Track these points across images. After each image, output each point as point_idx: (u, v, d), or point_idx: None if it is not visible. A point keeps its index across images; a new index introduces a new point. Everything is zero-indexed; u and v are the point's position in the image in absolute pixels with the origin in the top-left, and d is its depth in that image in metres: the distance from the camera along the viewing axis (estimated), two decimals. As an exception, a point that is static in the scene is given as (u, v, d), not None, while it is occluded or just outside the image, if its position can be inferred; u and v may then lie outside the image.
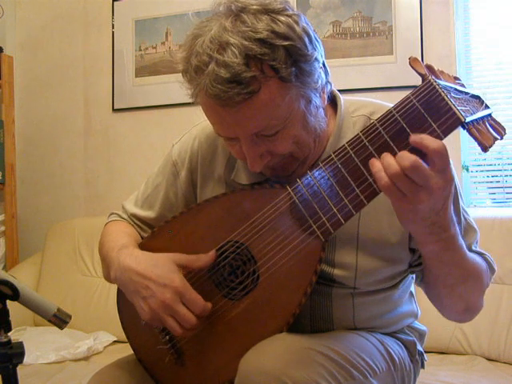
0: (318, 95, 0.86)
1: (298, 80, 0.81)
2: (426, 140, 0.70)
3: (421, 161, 0.69)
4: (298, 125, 0.85)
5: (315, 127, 0.88)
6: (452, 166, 0.91)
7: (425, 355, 1.10)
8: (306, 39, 0.81)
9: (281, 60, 0.78)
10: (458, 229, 0.81)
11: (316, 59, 0.83)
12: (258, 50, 0.77)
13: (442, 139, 0.74)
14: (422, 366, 1.10)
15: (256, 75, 0.77)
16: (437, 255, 0.82)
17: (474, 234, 0.96)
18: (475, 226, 0.97)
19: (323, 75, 0.87)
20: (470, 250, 0.93)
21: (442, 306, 0.96)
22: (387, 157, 0.72)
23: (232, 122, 0.82)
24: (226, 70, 0.77)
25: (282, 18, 0.80)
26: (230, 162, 1.00)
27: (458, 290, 0.89)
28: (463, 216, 0.95)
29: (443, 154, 0.70)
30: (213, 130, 0.90)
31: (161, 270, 0.90)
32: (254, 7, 0.81)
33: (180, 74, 0.86)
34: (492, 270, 0.97)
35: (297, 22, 0.81)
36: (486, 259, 0.96)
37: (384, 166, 0.72)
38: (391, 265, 0.94)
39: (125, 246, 0.97)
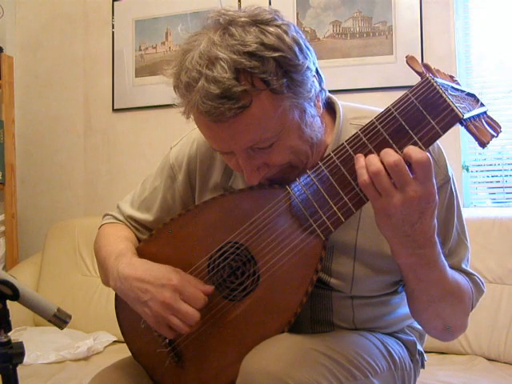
0: (312, 104, 0.85)
1: (291, 91, 0.80)
2: (410, 150, 0.72)
3: (404, 163, 0.72)
4: (293, 136, 0.84)
5: (311, 136, 0.87)
6: (452, 187, 0.93)
7: (425, 355, 1.10)
8: (297, 49, 0.80)
9: (271, 72, 0.77)
10: (439, 249, 0.81)
11: (308, 68, 0.82)
12: (248, 63, 0.76)
13: (441, 136, 0.74)
14: (422, 366, 1.10)
15: (247, 89, 0.76)
16: (411, 269, 0.82)
17: (464, 252, 0.95)
18: (467, 243, 0.96)
19: (316, 83, 0.86)
20: (458, 268, 0.94)
21: (420, 320, 0.96)
22: (371, 156, 0.75)
23: (225, 136, 0.81)
24: (216, 86, 0.75)
25: (271, 29, 0.78)
26: (227, 168, 1.00)
27: (434, 307, 0.88)
28: (457, 231, 0.94)
29: (425, 166, 0.71)
30: None
31: (158, 272, 0.90)
32: (243, 19, 0.79)
33: None
34: (480, 291, 0.97)
35: (286, 32, 0.79)
36: (473, 280, 0.96)
37: (366, 163, 0.75)
38: (388, 275, 0.94)
39: (122, 254, 0.97)
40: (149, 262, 0.94)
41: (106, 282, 1.04)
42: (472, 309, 0.95)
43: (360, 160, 0.76)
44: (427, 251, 0.79)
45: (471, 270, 0.96)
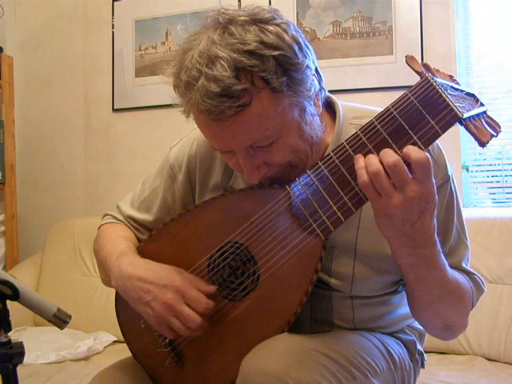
0: (312, 103, 0.85)
1: (290, 89, 0.80)
2: (409, 150, 0.72)
3: (403, 163, 0.72)
4: (293, 134, 0.84)
5: (311, 135, 0.87)
6: (451, 187, 0.93)
7: (425, 355, 1.10)
8: (296, 47, 0.80)
9: (271, 70, 0.77)
10: (439, 248, 0.81)
11: (307, 67, 0.82)
12: (248, 61, 0.76)
13: (440, 135, 0.75)
14: (422, 366, 1.10)
15: (247, 87, 0.76)
16: (411, 269, 0.82)
17: (464, 251, 0.95)
18: (467, 243, 0.96)
19: (316, 82, 0.86)
20: (458, 268, 0.93)
21: (420, 320, 0.96)
22: (370, 156, 0.75)
23: (226, 135, 0.81)
24: (216, 84, 0.75)
25: (271, 28, 0.79)
26: (228, 169, 1.00)
27: (435, 307, 0.88)
28: (456, 230, 0.94)
29: (424, 165, 0.71)
30: None
31: (161, 272, 0.90)
32: (242, 18, 0.79)
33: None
34: (480, 290, 0.97)
35: (286, 31, 0.80)
36: (473, 279, 0.96)
37: (366, 163, 0.75)
38: (388, 275, 0.94)
39: (124, 253, 0.97)
40: (151, 261, 0.94)
41: (106, 282, 1.04)
42: (472, 308, 0.95)
43: (360, 160, 0.76)
44: (427, 251, 0.79)
45: (471, 270, 0.96)
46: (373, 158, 0.75)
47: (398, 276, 0.94)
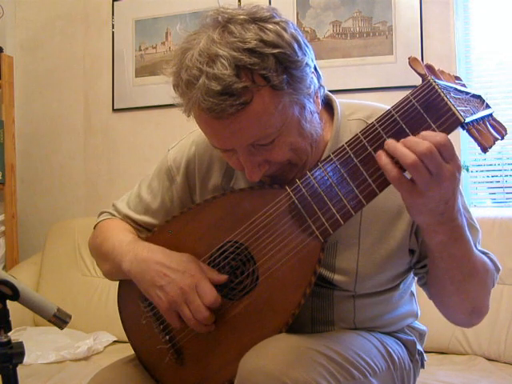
0: (311, 100, 0.86)
1: (290, 87, 0.80)
2: (428, 137, 0.70)
3: (435, 148, 0.69)
4: (293, 132, 0.84)
5: (311, 133, 0.87)
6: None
7: (425, 355, 1.10)
8: (296, 45, 0.80)
9: (271, 68, 0.77)
10: (464, 220, 0.81)
11: (307, 64, 0.82)
12: (248, 60, 0.76)
13: None
14: (422, 366, 1.10)
15: (247, 85, 0.77)
16: (445, 247, 0.81)
17: (476, 234, 0.95)
18: (477, 226, 0.96)
19: (315, 80, 0.86)
20: None
21: (448, 306, 0.95)
22: (398, 148, 0.71)
23: (227, 133, 0.82)
24: (217, 83, 0.76)
25: (270, 26, 0.79)
26: (228, 170, 1.00)
27: (466, 286, 0.88)
28: (465, 217, 0.93)
29: (447, 145, 0.70)
30: None
31: (179, 258, 0.92)
32: (241, 17, 0.80)
33: None
34: (497, 268, 0.97)
35: (285, 29, 0.80)
36: (490, 258, 0.95)
37: (399, 155, 0.70)
38: (391, 269, 0.94)
39: (136, 240, 0.99)
40: (167, 249, 0.96)
41: (110, 273, 1.04)
42: (493, 286, 0.95)
43: (383, 157, 0.72)
44: (458, 222, 0.78)
45: (486, 250, 0.96)
46: (402, 149, 0.70)
47: (401, 268, 0.95)
